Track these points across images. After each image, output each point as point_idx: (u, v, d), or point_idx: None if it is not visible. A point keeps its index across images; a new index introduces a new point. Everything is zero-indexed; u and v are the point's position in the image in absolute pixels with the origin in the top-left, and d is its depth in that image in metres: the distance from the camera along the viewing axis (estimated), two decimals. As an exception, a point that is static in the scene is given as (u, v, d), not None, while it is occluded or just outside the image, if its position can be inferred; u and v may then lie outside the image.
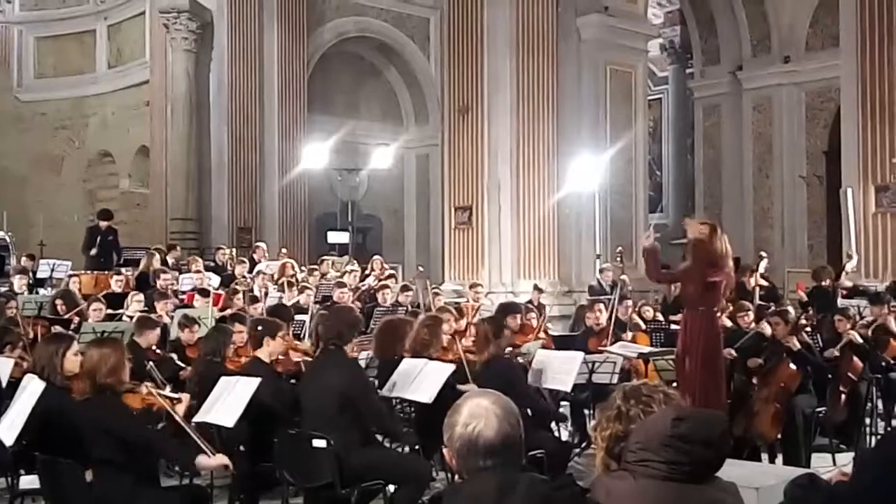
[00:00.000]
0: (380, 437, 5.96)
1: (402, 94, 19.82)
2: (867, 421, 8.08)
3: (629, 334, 8.85)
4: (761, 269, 11.57)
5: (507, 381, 5.63)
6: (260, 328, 6.09)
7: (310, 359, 6.88)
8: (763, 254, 12.70)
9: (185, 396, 5.36)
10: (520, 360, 7.36)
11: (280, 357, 6.46)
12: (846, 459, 6.69)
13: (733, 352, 7.56)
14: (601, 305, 9.03)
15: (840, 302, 10.72)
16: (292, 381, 6.77)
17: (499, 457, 2.49)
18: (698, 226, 7.07)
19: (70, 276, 12.00)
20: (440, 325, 6.76)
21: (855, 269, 12.92)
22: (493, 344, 6.35)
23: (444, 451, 2.61)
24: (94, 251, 13.18)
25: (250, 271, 12.58)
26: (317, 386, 5.50)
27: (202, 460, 4.78)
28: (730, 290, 7.57)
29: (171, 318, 8.78)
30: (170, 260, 12.75)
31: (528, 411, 5.92)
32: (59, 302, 9.75)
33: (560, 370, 6.80)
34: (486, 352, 6.34)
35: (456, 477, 2.82)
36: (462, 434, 2.51)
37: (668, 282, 7.24)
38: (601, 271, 13.58)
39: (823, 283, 11.68)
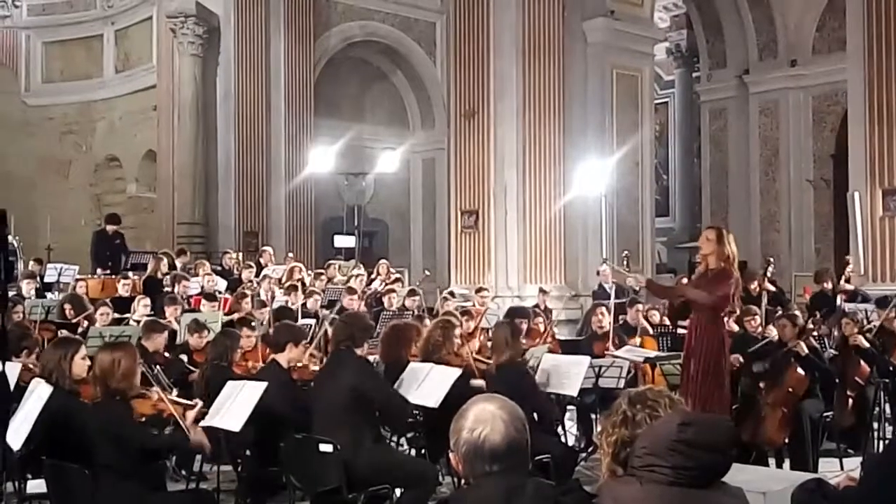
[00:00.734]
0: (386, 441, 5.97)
1: (408, 98, 19.82)
2: (875, 425, 8.04)
3: (637, 339, 8.84)
4: (768, 273, 11.54)
5: (516, 386, 5.63)
6: (285, 332, 6.09)
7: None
8: (770, 258, 12.67)
9: (198, 403, 5.36)
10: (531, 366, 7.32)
11: (297, 365, 6.48)
12: (854, 464, 6.66)
13: (741, 358, 7.53)
14: (603, 309, 9.01)
15: (847, 307, 10.68)
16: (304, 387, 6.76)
17: (505, 462, 2.49)
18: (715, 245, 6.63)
19: (77, 280, 12.03)
20: (453, 329, 6.79)
21: (861, 273, 12.89)
22: (511, 348, 6.37)
23: (451, 455, 2.61)
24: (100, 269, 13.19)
25: (257, 275, 12.57)
26: (327, 385, 5.53)
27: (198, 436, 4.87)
28: (738, 296, 7.50)
29: (179, 322, 8.80)
30: (178, 264, 12.75)
31: (535, 416, 5.91)
32: (66, 306, 9.74)
33: (567, 374, 6.80)
34: (503, 355, 6.36)
35: (462, 482, 2.82)
36: (468, 439, 2.51)
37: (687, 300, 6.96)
38: (598, 273, 13.53)
39: (825, 285, 11.67)
